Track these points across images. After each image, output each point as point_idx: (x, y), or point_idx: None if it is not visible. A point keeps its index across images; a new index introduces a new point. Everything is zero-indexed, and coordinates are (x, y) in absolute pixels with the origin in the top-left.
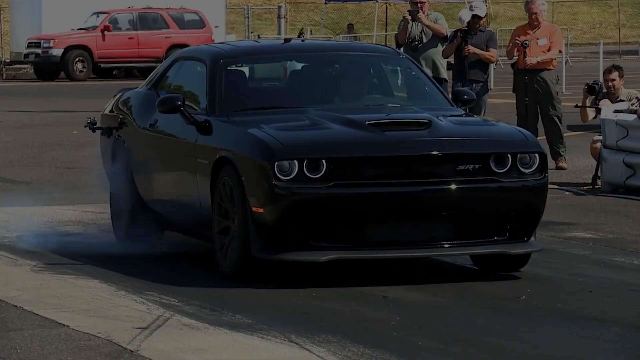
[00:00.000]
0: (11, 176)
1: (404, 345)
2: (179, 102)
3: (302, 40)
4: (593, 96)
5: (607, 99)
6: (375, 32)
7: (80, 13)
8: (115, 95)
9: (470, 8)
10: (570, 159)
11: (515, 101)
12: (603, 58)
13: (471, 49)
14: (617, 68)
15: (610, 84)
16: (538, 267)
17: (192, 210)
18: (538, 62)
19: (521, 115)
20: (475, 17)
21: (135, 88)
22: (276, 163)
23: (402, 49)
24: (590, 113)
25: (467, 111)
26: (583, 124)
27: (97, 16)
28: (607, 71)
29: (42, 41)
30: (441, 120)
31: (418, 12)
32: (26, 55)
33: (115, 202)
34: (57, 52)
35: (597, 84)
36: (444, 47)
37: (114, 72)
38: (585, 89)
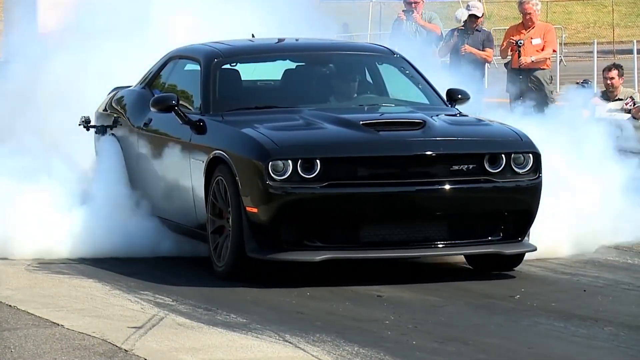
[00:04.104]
0: None
1: (398, 344)
2: (173, 102)
3: (296, 40)
4: None
5: (597, 97)
6: (370, 32)
7: None
8: (109, 94)
9: (467, 8)
10: None
11: (509, 101)
12: (597, 57)
13: (468, 48)
14: (617, 67)
15: (609, 82)
16: (532, 266)
17: (186, 209)
18: (532, 61)
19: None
20: (472, 17)
21: (129, 87)
22: (270, 163)
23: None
24: (584, 112)
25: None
26: None
27: None
28: (607, 69)
29: None
30: (435, 120)
31: (412, 12)
32: None
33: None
34: None
35: (587, 83)
36: (439, 46)
37: None
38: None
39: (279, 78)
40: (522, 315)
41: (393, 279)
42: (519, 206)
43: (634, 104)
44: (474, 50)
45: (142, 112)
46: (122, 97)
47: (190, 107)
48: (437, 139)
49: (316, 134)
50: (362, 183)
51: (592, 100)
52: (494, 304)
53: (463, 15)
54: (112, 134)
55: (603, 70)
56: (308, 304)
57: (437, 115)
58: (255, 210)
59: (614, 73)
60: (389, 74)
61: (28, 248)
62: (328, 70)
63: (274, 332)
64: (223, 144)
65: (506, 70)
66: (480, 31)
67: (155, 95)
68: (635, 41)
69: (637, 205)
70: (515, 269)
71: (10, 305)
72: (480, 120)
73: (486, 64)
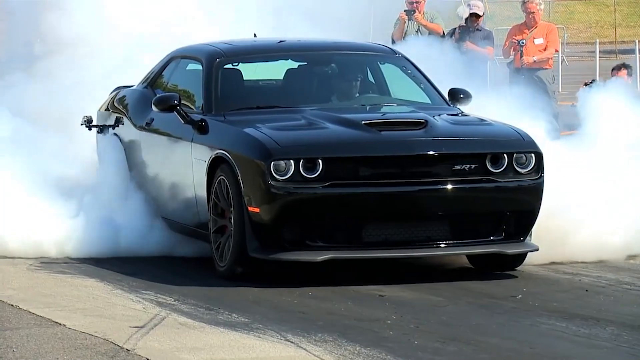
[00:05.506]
0: None
1: (400, 344)
2: (175, 101)
3: (298, 39)
4: None
5: None
6: (372, 31)
7: None
8: (111, 93)
9: (469, 6)
10: None
11: None
12: (599, 57)
13: (469, 44)
14: (626, 66)
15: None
16: (534, 266)
17: (188, 209)
18: (535, 61)
19: None
20: (474, 16)
21: (131, 86)
22: (272, 163)
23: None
24: None
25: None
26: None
27: None
28: (616, 68)
29: None
30: (437, 120)
31: (414, 11)
32: None
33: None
34: None
35: (595, 83)
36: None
37: None
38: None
39: (281, 78)
40: (523, 315)
41: (395, 279)
42: (521, 206)
43: None
44: (476, 47)
45: (144, 112)
46: (124, 96)
47: (192, 107)
48: (439, 138)
49: (318, 133)
50: (364, 183)
51: None
52: (495, 303)
53: (465, 13)
54: (114, 134)
55: (612, 69)
56: (310, 303)
57: (439, 115)
58: (257, 210)
59: (623, 72)
60: (391, 74)
61: (29, 247)
62: (330, 69)
63: (275, 332)
64: (225, 144)
65: (509, 69)
66: (481, 30)
67: (157, 95)
68: (637, 41)
69: None
70: (517, 268)
71: (12, 305)
72: (482, 120)
73: (488, 61)
